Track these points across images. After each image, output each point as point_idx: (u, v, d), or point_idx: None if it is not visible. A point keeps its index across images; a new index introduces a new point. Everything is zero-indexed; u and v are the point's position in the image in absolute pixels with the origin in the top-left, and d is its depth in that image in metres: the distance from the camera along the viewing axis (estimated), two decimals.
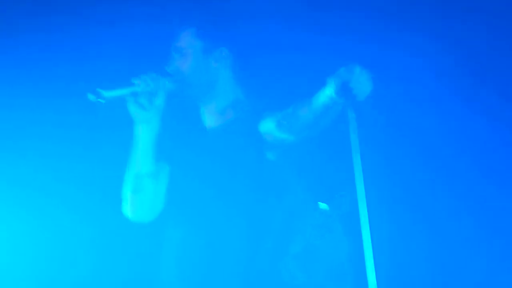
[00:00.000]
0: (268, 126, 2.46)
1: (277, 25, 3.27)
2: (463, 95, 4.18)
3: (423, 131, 3.89)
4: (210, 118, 2.72)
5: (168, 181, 2.64)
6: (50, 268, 3.64)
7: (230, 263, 2.47)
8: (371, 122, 2.16)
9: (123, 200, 2.63)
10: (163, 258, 2.65)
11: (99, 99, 2.35)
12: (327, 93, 2.17)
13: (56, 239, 3.61)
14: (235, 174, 2.49)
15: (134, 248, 3.34)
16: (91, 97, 2.36)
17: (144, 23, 3.69)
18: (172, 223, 2.65)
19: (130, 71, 2.59)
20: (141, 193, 2.56)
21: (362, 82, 2.11)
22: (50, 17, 3.84)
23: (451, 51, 3.91)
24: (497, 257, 3.83)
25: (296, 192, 2.61)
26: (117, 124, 2.76)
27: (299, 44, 3.39)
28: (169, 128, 2.62)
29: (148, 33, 3.42)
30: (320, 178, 2.78)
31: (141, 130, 2.52)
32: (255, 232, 2.49)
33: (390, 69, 3.44)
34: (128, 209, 2.61)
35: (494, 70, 4.16)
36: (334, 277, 2.68)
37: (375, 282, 2.01)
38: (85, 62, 3.66)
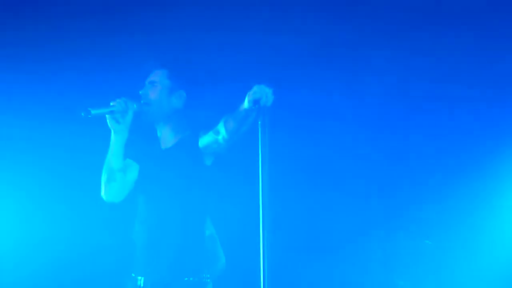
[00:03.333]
0: (205, 141, 3.63)
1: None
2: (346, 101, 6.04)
3: (319, 134, 5.58)
4: (163, 134, 3.90)
5: (133, 174, 3.82)
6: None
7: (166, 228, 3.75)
8: (274, 126, 3.20)
9: (101, 187, 3.74)
10: (130, 227, 3.93)
11: (88, 115, 3.49)
12: (245, 106, 3.24)
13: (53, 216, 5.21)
14: (178, 172, 3.69)
15: (109, 220, 4.78)
16: (82, 113, 3.49)
17: (129, 56, 5.16)
18: (135, 204, 3.85)
19: (111, 94, 3.69)
20: (113, 182, 3.69)
21: (269, 96, 3.18)
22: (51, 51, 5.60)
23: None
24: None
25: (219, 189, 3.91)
26: (99, 133, 3.81)
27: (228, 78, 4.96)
28: (134, 137, 3.78)
29: (131, 65, 4.55)
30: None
31: (114, 138, 3.65)
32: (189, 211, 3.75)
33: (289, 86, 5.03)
34: (104, 194, 3.72)
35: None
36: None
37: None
38: (81, 85, 5.17)
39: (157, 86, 3.82)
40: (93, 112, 3.51)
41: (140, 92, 3.80)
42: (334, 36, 6.03)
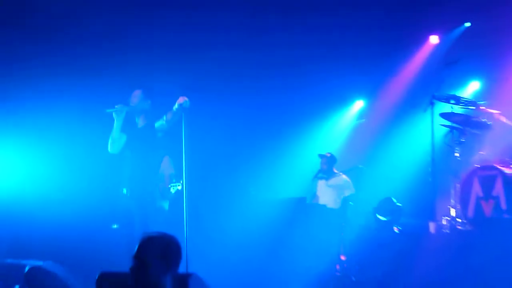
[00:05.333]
0: (157, 124, 7.43)
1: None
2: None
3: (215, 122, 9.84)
4: (139, 121, 7.58)
5: (123, 140, 7.40)
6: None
7: None
8: (191, 117, 7.01)
9: (108, 146, 7.31)
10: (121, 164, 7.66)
11: (106, 111, 7.26)
12: (176, 107, 7.12)
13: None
14: (145, 139, 7.44)
15: (111, 162, 7.78)
16: (107, 110, 7.25)
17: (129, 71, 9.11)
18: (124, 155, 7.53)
19: (114, 100, 7.43)
20: (114, 144, 7.36)
21: (187, 102, 7.08)
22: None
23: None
24: None
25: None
26: (109, 120, 7.13)
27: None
28: (125, 122, 7.37)
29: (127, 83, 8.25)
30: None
31: (116, 123, 7.30)
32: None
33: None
34: (109, 149, 7.38)
35: None
36: None
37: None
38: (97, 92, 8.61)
39: (136, 98, 7.49)
40: (108, 110, 7.23)
41: (129, 100, 7.48)
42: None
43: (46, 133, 8.58)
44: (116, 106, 7.27)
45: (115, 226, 8.01)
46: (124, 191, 7.36)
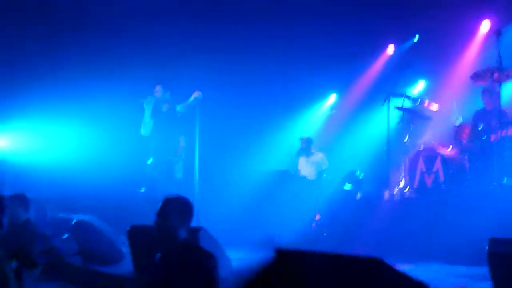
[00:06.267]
0: (178, 108, 8.47)
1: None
2: None
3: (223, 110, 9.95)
4: (163, 107, 8.36)
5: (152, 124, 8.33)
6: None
7: None
8: (203, 107, 8.01)
9: (141, 128, 8.19)
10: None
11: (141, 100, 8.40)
12: (191, 99, 8.17)
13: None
14: (168, 118, 8.37)
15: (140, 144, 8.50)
16: (141, 100, 8.35)
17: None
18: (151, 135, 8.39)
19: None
20: (146, 127, 8.15)
21: (200, 95, 8.16)
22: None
23: None
24: None
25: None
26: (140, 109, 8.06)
27: None
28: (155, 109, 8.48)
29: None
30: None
31: (146, 110, 8.20)
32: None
33: None
34: (142, 131, 8.14)
35: None
36: None
37: None
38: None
39: (159, 91, 8.13)
40: (141, 100, 8.19)
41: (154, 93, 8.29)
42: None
43: (94, 118, 8.90)
44: (147, 98, 7.49)
45: (143, 190, 8.11)
46: (149, 161, 7.49)
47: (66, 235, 6.53)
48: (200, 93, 7.54)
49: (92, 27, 8.81)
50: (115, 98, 8.63)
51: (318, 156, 9.52)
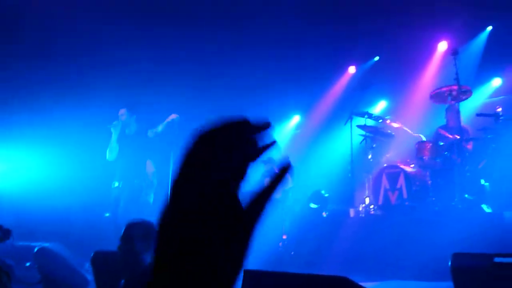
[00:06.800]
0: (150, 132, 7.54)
1: None
2: None
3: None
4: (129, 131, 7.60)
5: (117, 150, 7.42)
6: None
7: None
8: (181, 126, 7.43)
9: (107, 153, 7.35)
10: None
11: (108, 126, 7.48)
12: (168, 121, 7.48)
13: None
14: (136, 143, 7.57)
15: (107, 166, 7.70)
16: (108, 126, 7.47)
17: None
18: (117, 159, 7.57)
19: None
20: (112, 152, 7.38)
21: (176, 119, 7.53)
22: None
23: None
24: None
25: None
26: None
27: None
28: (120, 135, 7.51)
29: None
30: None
31: (114, 135, 7.44)
32: None
33: None
34: (107, 156, 7.35)
35: None
36: None
37: None
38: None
39: (123, 114, 7.58)
40: (108, 126, 7.48)
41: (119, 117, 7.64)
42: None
43: (59, 142, 8.66)
44: (113, 123, 7.37)
45: (107, 215, 7.97)
46: (116, 184, 7.38)
47: (28, 264, 6.36)
48: (177, 116, 7.35)
49: (57, 51, 8.67)
50: (80, 122, 8.52)
51: None
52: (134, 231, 3.36)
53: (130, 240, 3.32)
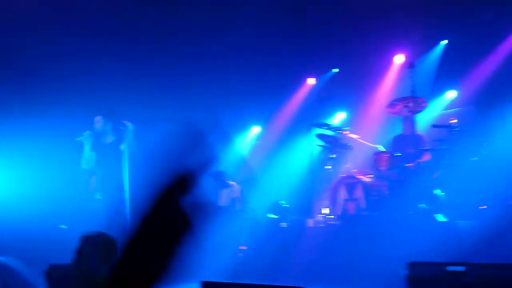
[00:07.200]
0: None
1: None
2: None
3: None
4: (106, 140, 7.35)
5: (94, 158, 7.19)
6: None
7: None
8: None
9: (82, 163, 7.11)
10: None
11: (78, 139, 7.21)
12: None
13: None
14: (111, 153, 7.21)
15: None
16: (77, 139, 7.13)
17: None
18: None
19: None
20: (87, 161, 7.13)
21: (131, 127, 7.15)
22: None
23: None
24: None
25: None
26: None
27: None
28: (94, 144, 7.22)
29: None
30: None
31: (86, 146, 7.16)
32: None
33: None
34: (82, 165, 7.15)
35: None
36: None
37: None
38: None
39: (99, 122, 7.26)
40: (77, 139, 7.13)
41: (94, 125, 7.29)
42: None
43: (29, 156, 8.30)
44: (84, 134, 7.05)
45: (63, 227, 7.76)
46: (97, 196, 6.99)
47: None
48: (129, 123, 6.92)
49: (24, 61, 8.37)
50: (43, 135, 8.20)
51: (236, 188, 9.36)
52: (89, 244, 3.29)
53: (85, 253, 3.25)
